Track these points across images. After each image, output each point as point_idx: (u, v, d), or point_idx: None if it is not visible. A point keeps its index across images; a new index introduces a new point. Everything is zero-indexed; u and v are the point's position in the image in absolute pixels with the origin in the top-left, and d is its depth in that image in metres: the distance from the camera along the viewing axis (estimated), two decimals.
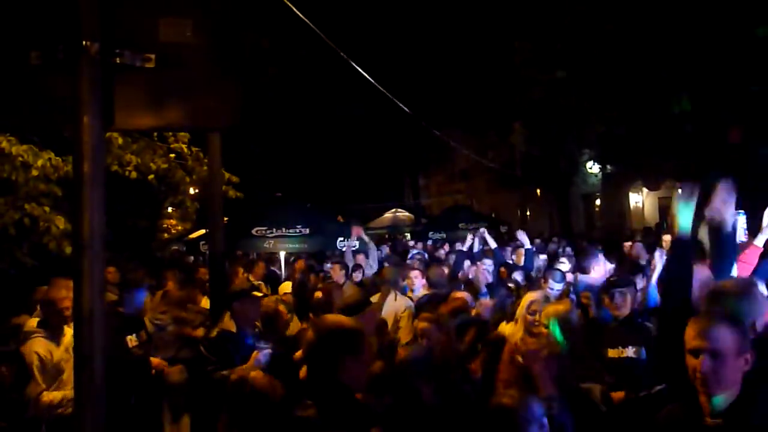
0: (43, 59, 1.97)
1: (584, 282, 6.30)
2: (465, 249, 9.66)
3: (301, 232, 12.97)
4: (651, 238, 12.73)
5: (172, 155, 9.65)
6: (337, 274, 8.85)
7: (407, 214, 28.74)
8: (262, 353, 4.50)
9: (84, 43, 1.91)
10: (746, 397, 2.36)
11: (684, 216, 3.15)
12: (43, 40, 1.99)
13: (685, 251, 3.17)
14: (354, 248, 11.54)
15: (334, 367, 2.61)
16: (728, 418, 2.34)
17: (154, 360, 5.60)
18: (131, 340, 5.77)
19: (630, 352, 4.37)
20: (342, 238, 13.46)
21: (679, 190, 3.22)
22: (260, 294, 5.62)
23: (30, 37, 2.02)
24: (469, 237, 9.83)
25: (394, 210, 27.92)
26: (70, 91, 1.92)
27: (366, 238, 11.72)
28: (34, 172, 7.30)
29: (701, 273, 3.45)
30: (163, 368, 5.58)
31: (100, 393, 1.90)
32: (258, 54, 15.78)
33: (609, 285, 4.78)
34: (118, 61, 1.99)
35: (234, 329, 4.89)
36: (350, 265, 9.74)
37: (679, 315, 2.79)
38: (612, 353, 4.46)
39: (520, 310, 4.68)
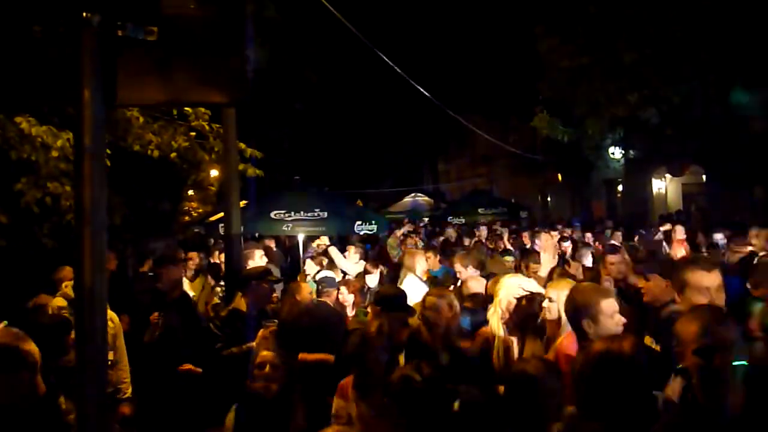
0: (44, 33, 1.95)
1: None
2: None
3: (319, 215, 12.97)
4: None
5: (193, 133, 9.60)
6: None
7: (427, 198, 28.64)
8: (269, 331, 4.59)
9: (84, 15, 1.89)
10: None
11: None
12: (45, 13, 1.97)
13: None
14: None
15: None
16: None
17: None
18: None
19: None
20: (360, 222, 13.44)
21: None
22: (275, 278, 5.67)
23: (33, 11, 1.99)
24: None
25: (413, 195, 27.85)
26: (72, 65, 1.90)
27: None
28: (54, 153, 7.33)
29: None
30: None
31: (101, 369, 1.90)
32: (273, 33, 15.70)
33: None
34: (120, 34, 1.96)
35: (245, 309, 4.96)
36: None
37: None
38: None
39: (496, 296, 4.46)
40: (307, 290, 5.85)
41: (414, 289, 6.39)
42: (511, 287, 4.27)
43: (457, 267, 6.88)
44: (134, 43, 2.00)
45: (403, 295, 5.25)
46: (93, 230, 1.85)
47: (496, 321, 4.20)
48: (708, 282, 3.40)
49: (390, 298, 4.94)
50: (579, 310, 3.42)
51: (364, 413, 3.43)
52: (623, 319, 3.43)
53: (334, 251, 9.31)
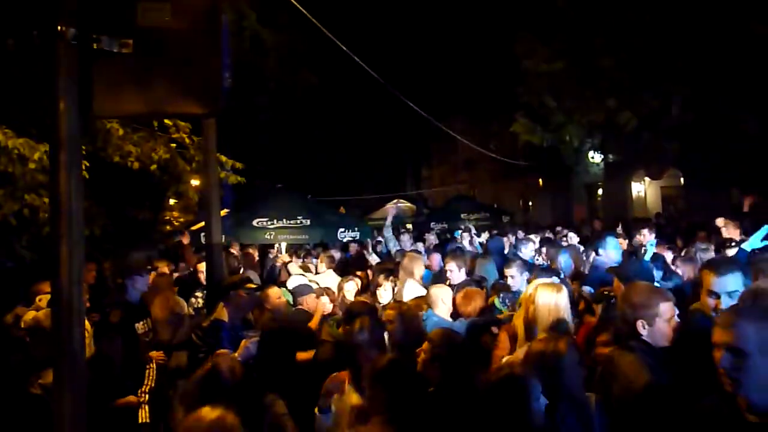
0: (19, 46, 1.96)
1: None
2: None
3: (301, 222, 12.96)
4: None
5: (173, 145, 9.57)
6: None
7: (409, 204, 28.68)
8: (251, 342, 4.58)
9: (60, 28, 1.89)
10: None
11: None
12: (19, 26, 1.97)
13: None
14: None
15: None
16: None
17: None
18: (139, 327, 5.81)
19: None
20: (342, 229, 13.45)
21: None
22: (254, 286, 5.64)
23: (7, 25, 2.00)
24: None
25: (395, 201, 27.87)
26: (47, 78, 1.90)
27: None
28: (32, 165, 7.24)
29: None
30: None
31: (80, 381, 1.89)
32: (256, 43, 15.71)
33: None
34: (95, 47, 1.97)
35: (227, 319, 4.93)
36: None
37: None
38: None
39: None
40: (276, 296, 5.85)
41: (414, 293, 6.42)
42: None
43: (449, 267, 6.92)
44: (110, 55, 2.01)
45: (373, 309, 5.27)
46: (69, 242, 1.85)
47: (520, 323, 4.31)
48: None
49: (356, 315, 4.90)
50: (636, 310, 3.27)
51: (359, 403, 3.60)
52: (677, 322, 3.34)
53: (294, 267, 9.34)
